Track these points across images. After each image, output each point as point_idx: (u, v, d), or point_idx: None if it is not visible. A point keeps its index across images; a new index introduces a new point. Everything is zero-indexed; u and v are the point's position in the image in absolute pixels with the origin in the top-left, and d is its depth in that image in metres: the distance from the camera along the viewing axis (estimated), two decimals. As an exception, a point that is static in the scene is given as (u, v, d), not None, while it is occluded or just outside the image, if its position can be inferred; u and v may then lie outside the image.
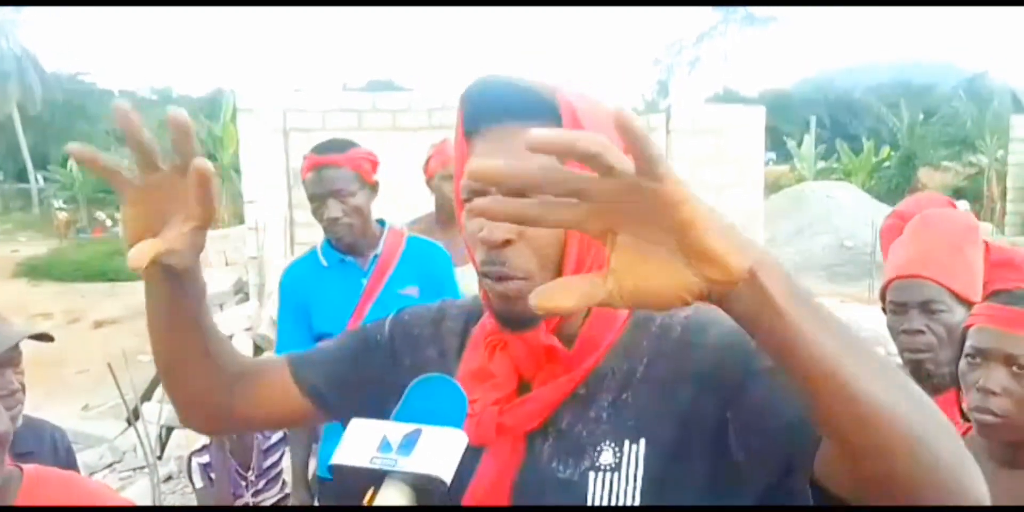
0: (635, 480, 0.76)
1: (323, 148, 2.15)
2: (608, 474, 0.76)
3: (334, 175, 2.08)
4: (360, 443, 0.63)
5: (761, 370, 0.73)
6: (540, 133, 0.49)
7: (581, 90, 0.79)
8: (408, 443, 0.62)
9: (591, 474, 0.77)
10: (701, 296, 0.54)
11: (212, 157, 16.88)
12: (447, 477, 0.60)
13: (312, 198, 2.12)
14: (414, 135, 6.77)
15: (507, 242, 0.76)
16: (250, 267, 6.86)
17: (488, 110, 0.79)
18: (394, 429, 0.64)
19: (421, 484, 0.60)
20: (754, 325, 0.55)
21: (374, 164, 2.18)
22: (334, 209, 2.09)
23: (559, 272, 0.77)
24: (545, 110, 0.74)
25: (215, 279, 8.98)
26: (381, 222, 2.26)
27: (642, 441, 0.77)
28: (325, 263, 2.21)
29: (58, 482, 1.28)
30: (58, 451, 1.81)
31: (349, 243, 2.16)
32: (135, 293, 8.41)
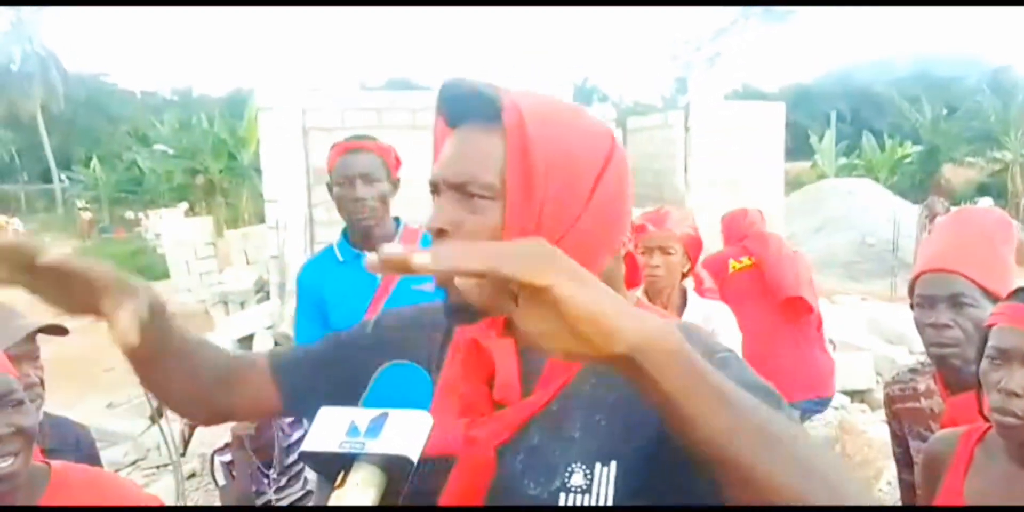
0: (606, 502, 0.76)
1: (354, 137, 2.23)
2: (579, 495, 0.77)
3: (364, 159, 2.16)
4: (329, 429, 0.65)
5: None
6: (382, 255, 0.53)
7: (534, 93, 0.83)
8: (375, 426, 0.64)
9: (561, 494, 0.77)
10: (586, 359, 0.57)
11: (232, 157, 17.02)
12: (414, 456, 0.62)
13: (339, 180, 2.17)
14: (432, 134, 6.81)
15: (441, 231, 0.80)
16: (271, 266, 6.91)
17: (451, 114, 0.86)
18: (361, 414, 0.66)
19: (389, 465, 0.62)
20: (642, 395, 0.59)
21: (398, 161, 2.24)
22: (361, 190, 2.14)
23: None
24: (495, 113, 0.79)
25: (236, 278, 9.06)
26: (396, 220, 2.29)
27: (613, 464, 0.77)
28: (341, 259, 2.23)
29: (85, 478, 1.30)
30: (81, 448, 1.83)
31: (370, 228, 2.18)
32: (159, 292, 8.47)
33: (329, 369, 0.96)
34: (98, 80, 34.05)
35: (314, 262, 2.31)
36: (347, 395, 0.86)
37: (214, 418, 1.03)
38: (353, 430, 0.64)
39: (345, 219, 2.21)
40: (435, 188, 0.84)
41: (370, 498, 0.61)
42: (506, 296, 0.58)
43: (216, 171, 17.32)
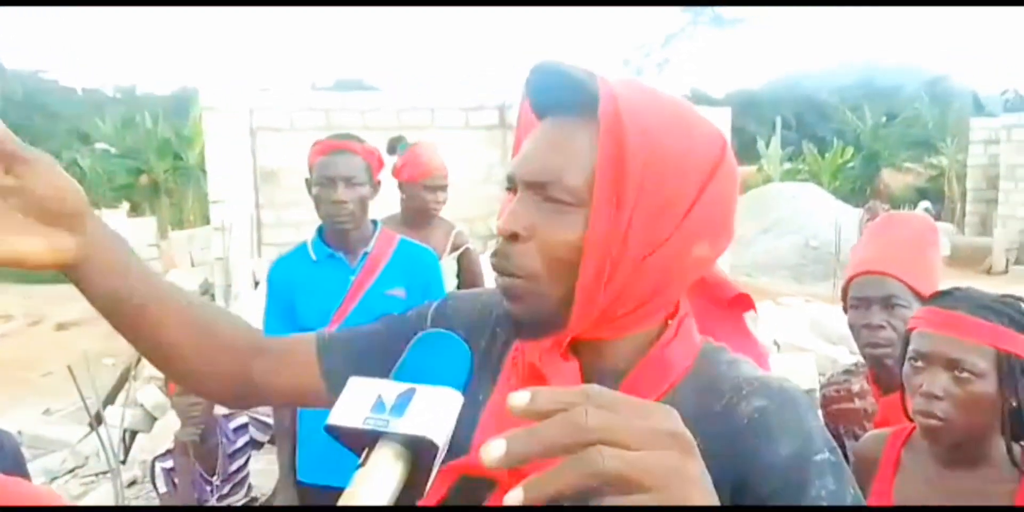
0: None
1: (340, 136, 2.20)
2: None
3: (348, 161, 2.13)
4: (355, 402, 0.61)
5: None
6: (517, 402, 0.44)
7: (639, 83, 0.73)
8: (401, 403, 0.60)
9: None
10: None
11: (178, 157, 16.66)
12: (439, 440, 0.58)
13: (320, 181, 2.13)
14: (383, 135, 6.79)
15: (514, 236, 0.71)
16: (216, 268, 6.78)
17: (539, 102, 0.77)
18: (389, 388, 0.61)
19: (414, 446, 0.58)
20: None
21: (380, 163, 2.22)
22: (343, 193, 2.11)
23: (572, 278, 0.70)
24: (590, 103, 0.70)
25: (181, 280, 8.86)
26: (374, 223, 2.27)
27: None
28: (314, 257, 2.21)
29: None
30: (6, 455, 1.78)
31: (346, 231, 2.16)
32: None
33: (379, 354, 0.83)
34: (36, 77, 32.98)
35: (286, 259, 2.27)
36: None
37: (248, 397, 0.89)
38: (379, 405, 0.60)
39: (322, 218, 2.18)
40: (511, 185, 0.75)
41: (392, 481, 0.57)
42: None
43: (161, 171, 16.92)
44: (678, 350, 0.76)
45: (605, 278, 0.70)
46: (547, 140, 0.72)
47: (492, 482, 0.72)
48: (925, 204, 13.31)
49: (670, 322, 0.77)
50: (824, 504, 0.66)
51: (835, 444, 0.73)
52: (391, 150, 2.88)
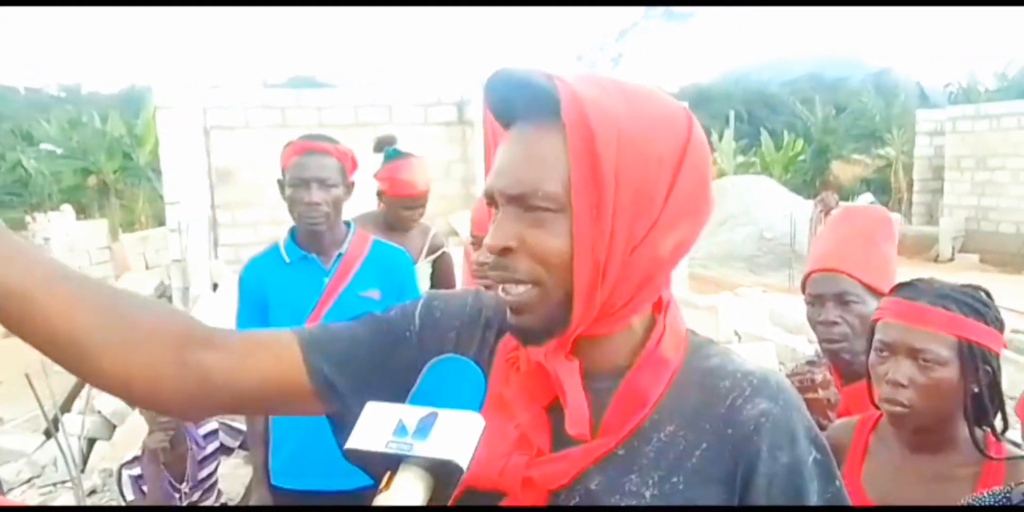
0: None
1: (313, 137, 2.18)
2: None
3: (323, 162, 2.11)
4: (375, 427, 0.61)
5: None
6: None
7: (596, 77, 0.73)
8: (424, 427, 0.61)
9: None
10: None
11: (128, 156, 16.29)
12: (464, 463, 0.59)
13: (293, 182, 2.11)
14: (340, 132, 6.73)
15: (506, 249, 0.72)
16: (173, 270, 6.65)
17: (502, 111, 0.76)
18: (410, 412, 0.62)
19: (438, 469, 0.59)
20: None
21: (355, 164, 2.20)
22: (317, 194, 2.08)
23: (568, 281, 0.71)
24: (553, 107, 0.69)
25: (135, 283, 8.68)
26: (348, 224, 2.25)
27: None
28: (287, 259, 2.18)
29: None
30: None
31: (320, 232, 2.14)
32: None
33: (364, 352, 0.81)
34: (-25, 75, 31.86)
35: (258, 260, 2.24)
36: (389, 384, 0.77)
37: (202, 402, 0.77)
38: (401, 429, 0.61)
39: (295, 220, 2.16)
40: (491, 201, 0.74)
41: (416, 503, 0.58)
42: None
43: (110, 171, 16.52)
44: (669, 343, 0.78)
45: (600, 277, 0.70)
46: (518, 151, 0.72)
47: (500, 494, 0.73)
48: (868, 197, 13.61)
49: (658, 316, 0.79)
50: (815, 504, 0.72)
51: (822, 439, 0.76)
52: (378, 149, 2.87)
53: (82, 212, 16.21)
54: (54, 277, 0.69)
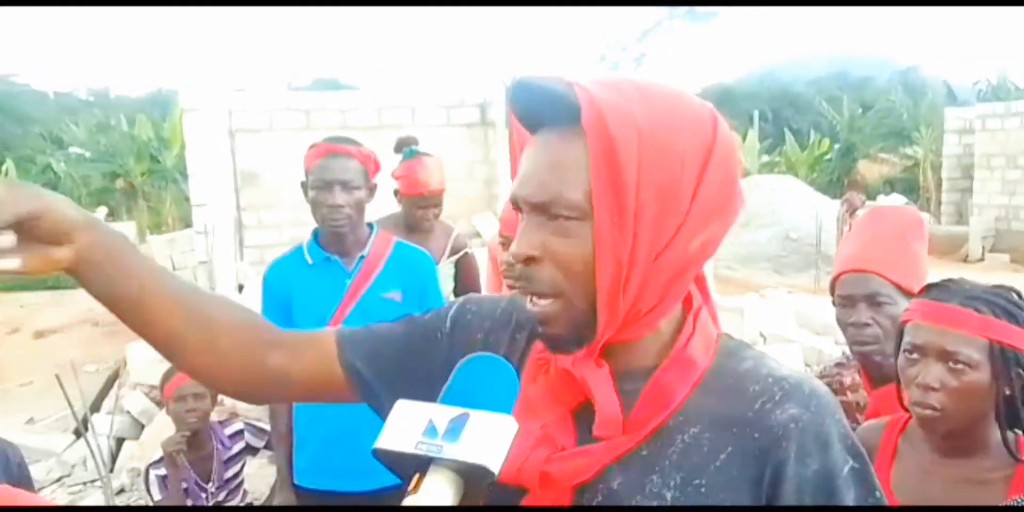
0: None
1: (336, 139, 2.20)
2: None
3: (346, 165, 2.12)
4: (405, 427, 0.60)
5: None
6: None
7: (616, 81, 0.72)
8: (455, 428, 0.59)
9: None
10: None
11: (155, 159, 16.50)
12: (495, 467, 0.57)
13: (316, 184, 2.13)
14: (365, 134, 6.80)
15: (530, 259, 0.72)
16: (199, 272, 6.72)
17: (528, 119, 0.77)
18: (440, 413, 0.60)
19: (468, 473, 0.58)
20: None
21: (377, 167, 2.22)
22: (340, 196, 2.10)
23: (594, 288, 0.71)
24: (574, 113, 0.69)
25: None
26: (371, 226, 2.26)
27: None
28: (310, 261, 2.20)
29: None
30: (10, 467, 1.76)
31: (343, 234, 2.15)
32: (77, 302, 8.13)
33: (398, 350, 0.87)
34: (7, 81, 32.49)
35: (282, 262, 2.26)
36: (420, 383, 0.79)
37: (263, 390, 0.89)
38: (431, 430, 0.59)
39: (318, 222, 2.18)
40: (516, 207, 0.75)
41: (446, 506, 0.56)
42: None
43: (138, 174, 16.73)
44: (699, 345, 0.77)
45: (623, 284, 0.70)
46: (540, 158, 0.72)
47: (522, 490, 0.73)
48: (900, 198, 13.41)
49: (687, 317, 0.78)
50: None
51: (860, 447, 0.74)
52: (398, 149, 2.90)
53: (110, 215, 16.45)
54: (161, 288, 0.80)
